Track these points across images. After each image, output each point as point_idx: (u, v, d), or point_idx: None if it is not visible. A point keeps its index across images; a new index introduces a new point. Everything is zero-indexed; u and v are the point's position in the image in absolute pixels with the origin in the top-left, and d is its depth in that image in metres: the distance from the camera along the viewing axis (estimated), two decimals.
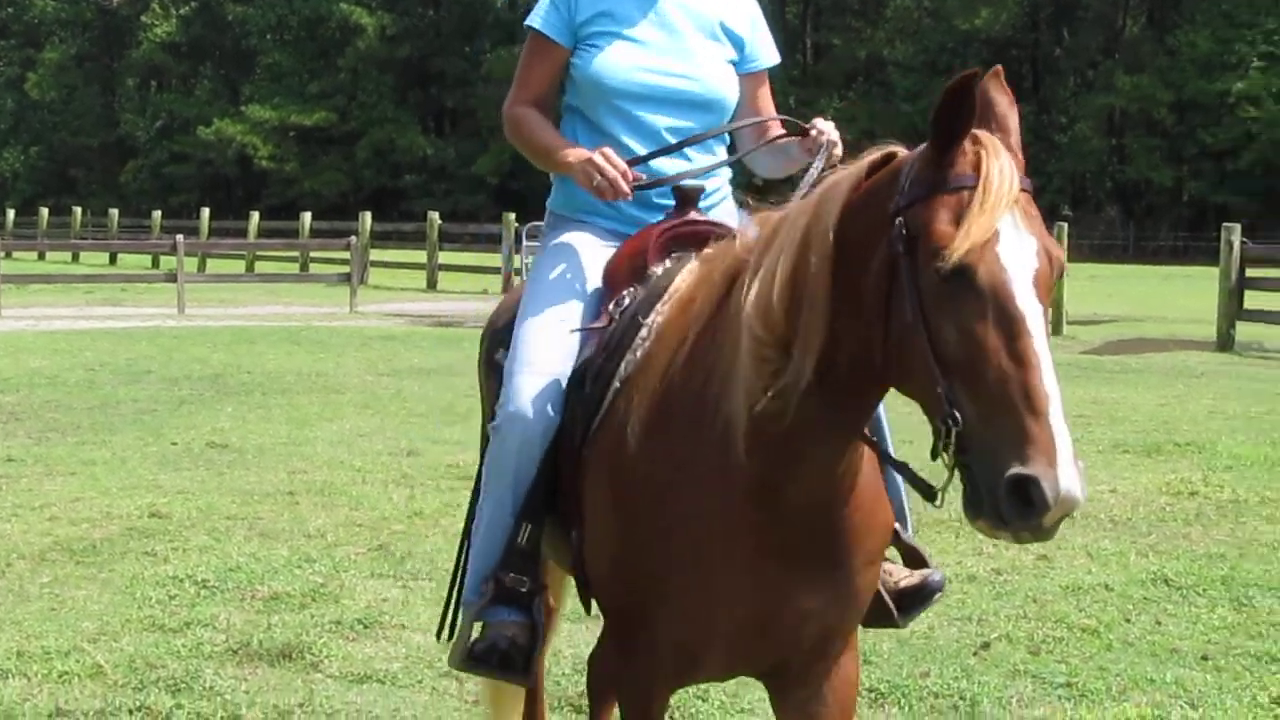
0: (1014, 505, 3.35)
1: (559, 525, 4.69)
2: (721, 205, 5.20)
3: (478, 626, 4.75)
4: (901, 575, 4.77)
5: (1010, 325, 3.46)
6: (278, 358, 22.04)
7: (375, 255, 46.28)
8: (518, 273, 36.37)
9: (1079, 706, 7.07)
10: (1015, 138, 3.74)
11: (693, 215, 4.94)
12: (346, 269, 36.17)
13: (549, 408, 4.66)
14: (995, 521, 3.42)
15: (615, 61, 5.06)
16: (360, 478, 12.39)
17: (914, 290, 3.61)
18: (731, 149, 5.31)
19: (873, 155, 3.89)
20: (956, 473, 3.53)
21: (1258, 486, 12.11)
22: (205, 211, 59.13)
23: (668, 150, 5.02)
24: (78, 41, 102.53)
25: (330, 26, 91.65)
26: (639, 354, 4.48)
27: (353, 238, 38.32)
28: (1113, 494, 11.59)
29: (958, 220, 3.54)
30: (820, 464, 4.03)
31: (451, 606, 5.22)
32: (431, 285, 42.71)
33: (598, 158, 4.85)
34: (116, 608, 8.51)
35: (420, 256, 44.36)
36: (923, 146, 3.70)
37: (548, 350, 4.74)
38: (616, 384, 4.47)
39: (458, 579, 5.24)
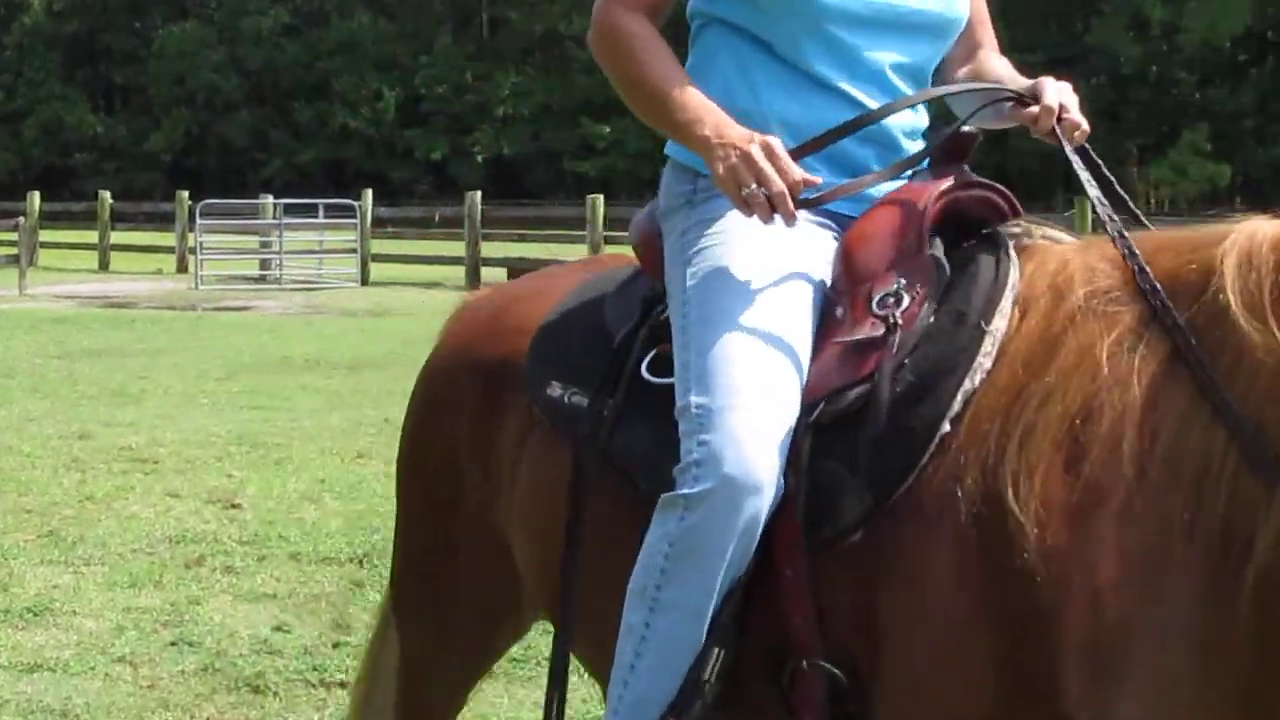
0: None
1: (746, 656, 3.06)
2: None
3: None
4: None
5: None
6: None
7: (45, 236, 45.05)
8: (192, 251, 36.03)
9: None
10: None
11: (971, 175, 3.31)
12: (15, 250, 35.17)
13: (781, 465, 2.98)
14: None
15: None
16: (29, 463, 12.09)
17: None
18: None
19: None
20: None
21: None
22: None
23: (859, 125, 3.24)
24: None
25: None
26: (977, 380, 2.90)
27: (21, 218, 37.20)
28: None
29: None
30: None
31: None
32: (104, 266, 41.78)
33: (757, 153, 3.05)
34: None
35: (91, 237, 43.38)
36: None
37: (771, 376, 3.03)
38: (946, 427, 2.88)
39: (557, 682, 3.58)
